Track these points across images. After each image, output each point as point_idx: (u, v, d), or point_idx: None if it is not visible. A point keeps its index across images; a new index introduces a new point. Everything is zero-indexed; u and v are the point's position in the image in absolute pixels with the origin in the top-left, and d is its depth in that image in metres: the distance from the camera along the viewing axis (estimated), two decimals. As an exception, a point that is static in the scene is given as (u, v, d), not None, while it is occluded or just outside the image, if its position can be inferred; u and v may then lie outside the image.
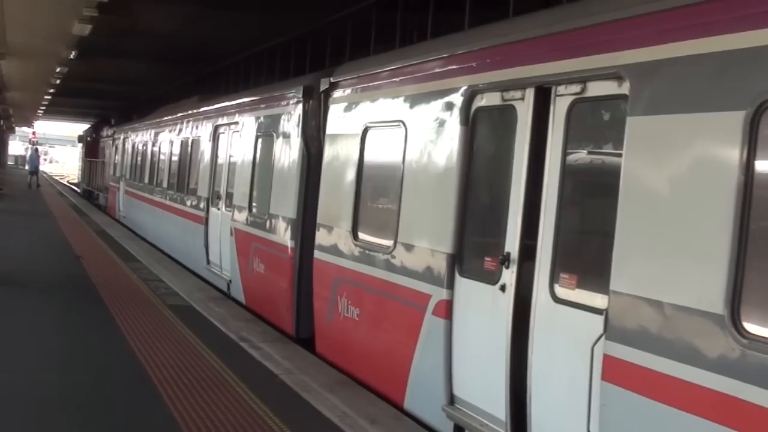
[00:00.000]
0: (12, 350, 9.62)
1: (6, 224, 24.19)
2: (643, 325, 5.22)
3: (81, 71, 30.17)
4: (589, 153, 6.34)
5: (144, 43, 23.60)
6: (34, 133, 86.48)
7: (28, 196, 39.28)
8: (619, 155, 5.59)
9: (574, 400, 5.87)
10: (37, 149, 59.29)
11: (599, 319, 5.59)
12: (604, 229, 5.67)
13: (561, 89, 6.34)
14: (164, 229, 20.33)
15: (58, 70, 29.81)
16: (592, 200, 6.37)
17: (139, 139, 26.17)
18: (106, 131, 41.08)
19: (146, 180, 23.74)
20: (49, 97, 45.65)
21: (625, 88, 5.61)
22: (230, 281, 14.04)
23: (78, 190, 53.07)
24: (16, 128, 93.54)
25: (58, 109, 59.12)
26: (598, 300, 5.70)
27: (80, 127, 75.21)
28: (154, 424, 7.28)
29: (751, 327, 4.53)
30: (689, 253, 4.98)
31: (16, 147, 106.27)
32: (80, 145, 60.49)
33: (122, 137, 30.32)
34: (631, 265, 5.39)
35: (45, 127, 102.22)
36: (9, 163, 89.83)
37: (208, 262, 15.63)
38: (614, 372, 5.43)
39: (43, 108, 57.60)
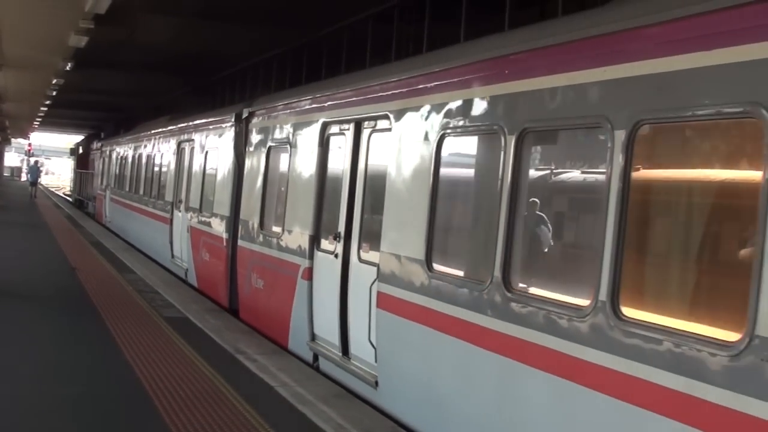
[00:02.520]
0: (7, 362, 9.59)
1: (2, 236, 24.15)
2: (393, 270, 8.34)
3: (77, 82, 30.17)
4: (377, 165, 9.23)
5: (140, 54, 23.62)
6: (30, 144, 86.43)
7: (25, 207, 39.25)
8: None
9: (365, 321, 8.93)
10: (36, 161, 60.64)
11: (375, 270, 8.73)
12: (381, 216, 8.75)
13: (365, 124, 9.59)
14: (140, 231, 23.37)
15: (54, 81, 29.81)
16: (378, 197, 8.95)
17: (122, 152, 29.47)
18: (96, 144, 43.73)
19: (126, 188, 27.08)
20: (45, 109, 45.63)
21: (391, 123, 8.71)
22: (187, 270, 17.21)
23: (70, 199, 55.05)
24: (12, 140, 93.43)
25: (54, 121, 59.10)
26: (376, 258, 8.77)
27: (76, 139, 75.25)
28: (150, 437, 7.26)
29: (436, 266, 7.66)
30: (411, 226, 8.06)
31: (12, 158, 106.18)
32: (73, 157, 62.69)
33: (108, 150, 33.72)
34: (388, 235, 8.55)
35: (41, 138, 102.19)
36: (5, 174, 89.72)
37: (173, 256, 18.72)
38: (381, 301, 8.50)
39: (39, 119, 57.55)
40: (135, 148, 26.37)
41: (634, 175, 5.42)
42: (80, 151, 55.37)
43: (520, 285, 6.56)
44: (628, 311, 5.34)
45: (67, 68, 24.93)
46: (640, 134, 5.40)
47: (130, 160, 27.18)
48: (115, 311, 12.92)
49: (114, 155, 31.42)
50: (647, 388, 5.07)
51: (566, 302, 5.98)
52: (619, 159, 5.43)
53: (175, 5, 17.27)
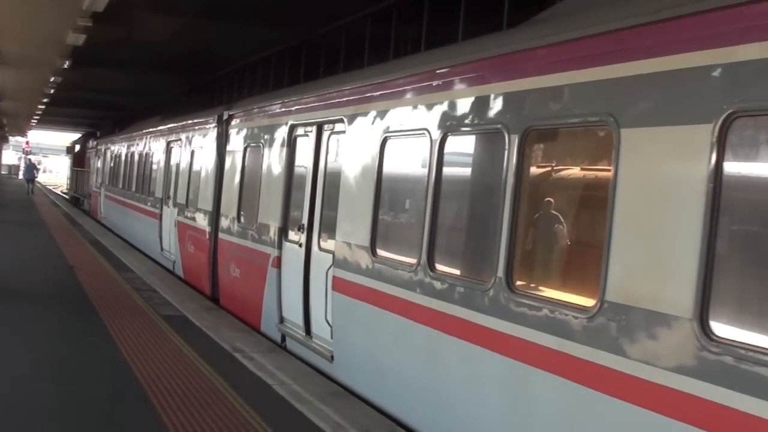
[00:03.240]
0: (5, 360, 9.60)
1: (0, 234, 24.16)
2: (345, 257, 9.42)
3: (75, 81, 30.15)
4: (334, 164, 10.41)
5: (138, 52, 23.60)
6: (27, 142, 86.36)
7: (23, 206, 39.20)
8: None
9: (323, 303, 10.05)
10: (30, 159, 61.64)
11: (331, 257, 9.77)
12: (336, 210, 9.83)
13: (326, 127, 10.76)
14: (133, 226, 24.43)
15: (52, 79, 29.77)
16: (335, 192, 9.96)
17: (116, 151, 30.42)
18: (91, 143, 44.41)
19: (120, 186, 28.04)
20: (43, 107, 45.60)
21: (345, 127, 9.84)
22: (174, 262, 18.30)
23: (67, 197, 55.88)
24: (10, 137, 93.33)
25: (51, 119, 59.04)
26: (332, 246, 9.82)
27: (74, 137, 75.11)
28: (148, 435, 7.27)
29: (379, 251, 8.74)
30: (360, 217, 9.11)
31: (9, 156, 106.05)
32: (69, 155, 64.00)
33: (103, 149, 34.66)
34: (342, 225, 9.64)
35: (38, 136, 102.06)
36: (3, 173, 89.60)
37: (162, 249, 19.78)
38: (336, 284, 9.61)
39: (37, 117, 57.51)
40: (128, 147, 27.24)
41: (526, 173, 6.69)
42: (76, 149, 56.27)
43: (441, 267, 7.70)
44: (519, 285, 6.58)
45: (65, 66, 24.90)
46: (530, 138, 6.61)
47: (123, 158, 28.11)
48: (113, 309, 12.92)
49: (108, 154, 32.38)
50: (531, 348, 6.25)
51: (474, 279, 7.20)
52: (513, 157, 6.65)
53: (173, 4, 17.26)
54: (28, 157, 70.18)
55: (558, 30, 6.56)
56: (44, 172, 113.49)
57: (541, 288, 6.60)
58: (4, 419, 7.43)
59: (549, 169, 7.01)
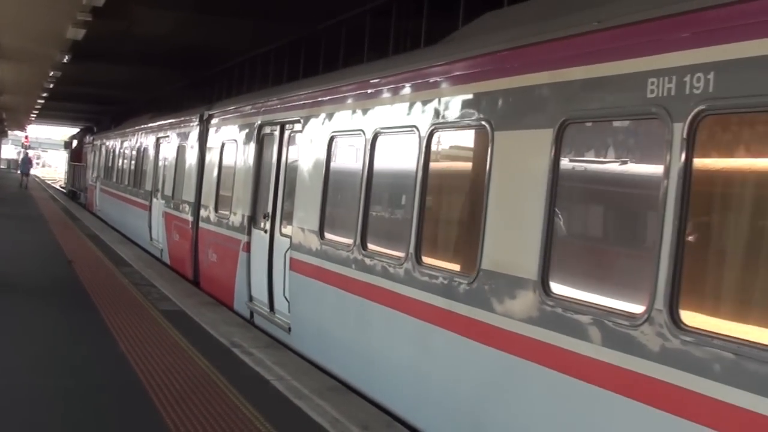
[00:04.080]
0: (2, 354, 9.60)
1: (-2, 228, 24.14)
2: (300, 240, 10.90)
3: (74, 75, 30.15)
4: (292, 159, 11.84)
5: (138, 47, 23.60)
6: (26, 137, 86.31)
7: (21, 200, 39.20)
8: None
9: (282, 281, 11.61)
10: (27, 153, 63.91)
11: (289, 240, 11.30)
12: (293, 200, 11.40)
13: (287, 126, 12.18)
14: (125, 217, 26.10)
15: (51, 74, 29.80)
16: (293, 184, 11.50)
17: (110, 146, 31.95)
18: (87, 138, 45.81)
19: (114, 179, 29.72)
20: (42, 101, 45.60)
21: (302, 127, 11.32)
22: (162, 250, 19.84)
23: (64, 191, 56.87)
24: (9, 132, 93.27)
25: (51, 113, 59.06)
26: (290, 231, 11.29)
27: (73, 131, 75.08)
28: (147, 431, 7.27)
29: (326, 235, 10.21)
30: (310, 206, 10.60)
31: (8, 151, 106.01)
32: (67, 150, 66.22)
33: (99, 144, 36.14)
34: (297, 213, 11.19)
35: (38, 131, 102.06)
36: (2, 167, 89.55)
37: (151, 238, 21.29)
38: (292, 264, 11.09)
39: (36, 112, 57.53)
40: (121, 143, 28.81)
41: (432, 169, 8.09)
42: (74, 144, 57.55)
43: (371, 246, 9.11)
44: (425, 259, 7.96)
45: (65, 61, 24.93)
46: (433, 137, 8.04)
47: (116, 153, 29.81)
48: (111, 304, 12.92)
49: (103, 149, 33.86)
50: (432, 310, 7.65)
51: (393, 255, 8.54)
52: (422, 155, 8.09)
53: (173, -2, 17.25)
54: (26, 151, 71.68)
55: (451, 51, 8.14)
56: (43, 166, 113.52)
57: (440, 261, 7.98)
58: (1, 413, 7.43)
59: (448, 164, 8.56)
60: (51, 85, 34.41)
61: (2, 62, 27.62)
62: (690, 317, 5.01)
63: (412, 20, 13.94)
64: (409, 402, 8.07)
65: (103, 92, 38.92)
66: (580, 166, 6.20)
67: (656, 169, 5.31)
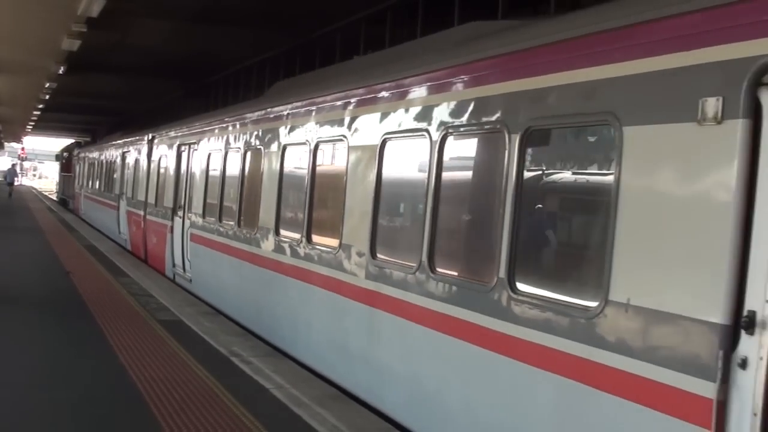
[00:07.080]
0: (2, 366, 9.58)
1: (-5, 240, 24.10)
2: (193, 221, 16.63)
3: (70, 86, 30.15)
4: (193, 165, 17.45)
5: (133, 57, 23.62)
6: (23, 149, 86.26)
7: (17, 212, 39.16)
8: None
9: (185, 248, 17.13)
10: (14, 164, 68.40)
11: (189, 222, 16.82)
12: (192, 194, 17.29)
13: (193, 146, 17.45)
14: (102, 217, 31.73)
15: (47, 85, 29.79)
16: (193, 182, 17.20)
17: (91, 159, 38.32)
18: (75, 152, 51.57)
19: (93, 187, 36.42)
20: (38, 113, 45.58)
21: (195, 146, 17.21)
22: (126, 240, 25.11)
23: (56, 199, 60.90)
24: (5, 144, 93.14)
25: (47, 125, 59.07)
26: (193, 218, 16.69)
27: (69, 143, 75.01)
28: (145, 440, 7.26)
29: (207, 216, 15.75)
30: (197, 196, 16.64)
31: (5, 163, 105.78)
32: (59, 162, 70.09)
33: (83, 157, 42.99)
34: (192, 203, 17.00)
35: (34, 142, 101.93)
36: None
37: (120, 232, 26.60)
38: (191, 237, 16.59)
39: (32, 123, 57.49)
40: (99, 156, 35.09)
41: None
42: (64, 157, 61.58)
43: (224, 220, 14.62)
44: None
45: (60, 72, 24.92)
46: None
47: (96, 165, 35.96)
48: (110, 314, 12.91)
49: (86, 161, 40.61)
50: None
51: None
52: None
53: (167, 9, 17.28)
54: (13, 162, 74.43)
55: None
56: (40, 178, 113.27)
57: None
58: (1, 427, 7.42)
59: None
60: (47, 97, 34.41)
61: (-2, 74, 27.61)
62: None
63: (407, 28, 13.96)
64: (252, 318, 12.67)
65: (99, 103, 38.92)
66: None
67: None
